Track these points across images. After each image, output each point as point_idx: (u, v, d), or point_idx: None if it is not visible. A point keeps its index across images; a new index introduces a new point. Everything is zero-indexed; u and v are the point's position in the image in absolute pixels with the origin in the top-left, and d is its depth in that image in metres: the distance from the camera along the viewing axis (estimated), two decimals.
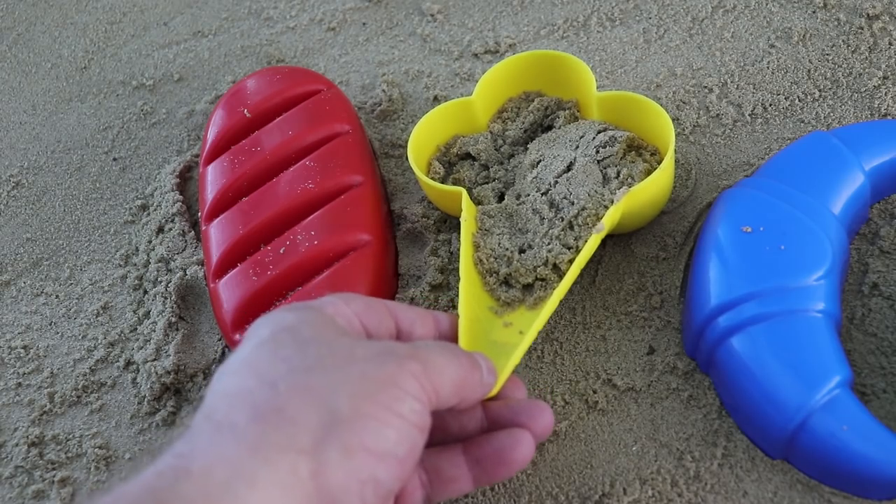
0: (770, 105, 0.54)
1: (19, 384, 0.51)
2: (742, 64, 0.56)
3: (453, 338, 0.42)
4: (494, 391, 0.40)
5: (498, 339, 0.43)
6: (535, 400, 0.41)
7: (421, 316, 0.41)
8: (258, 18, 0.65)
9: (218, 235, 0.51)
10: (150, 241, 0.55)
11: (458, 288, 0.49)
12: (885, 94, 0.53)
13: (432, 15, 0.62)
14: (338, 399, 0.34)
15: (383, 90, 0.59)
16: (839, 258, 0.44)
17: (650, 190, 0.46)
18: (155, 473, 0.32)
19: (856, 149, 0.46)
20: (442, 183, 0.50)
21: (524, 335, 0.43)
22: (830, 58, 0.55)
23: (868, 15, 0.56)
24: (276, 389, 0.34)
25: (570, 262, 0.45)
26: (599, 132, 0.49)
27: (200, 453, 0.33)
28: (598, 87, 0.50)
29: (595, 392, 0.46)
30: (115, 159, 0.60)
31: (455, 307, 0.49)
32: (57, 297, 0.54)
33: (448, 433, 0.41)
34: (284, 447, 0.33)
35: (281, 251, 0.49)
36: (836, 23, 0.56)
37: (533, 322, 0.43)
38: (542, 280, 0.46)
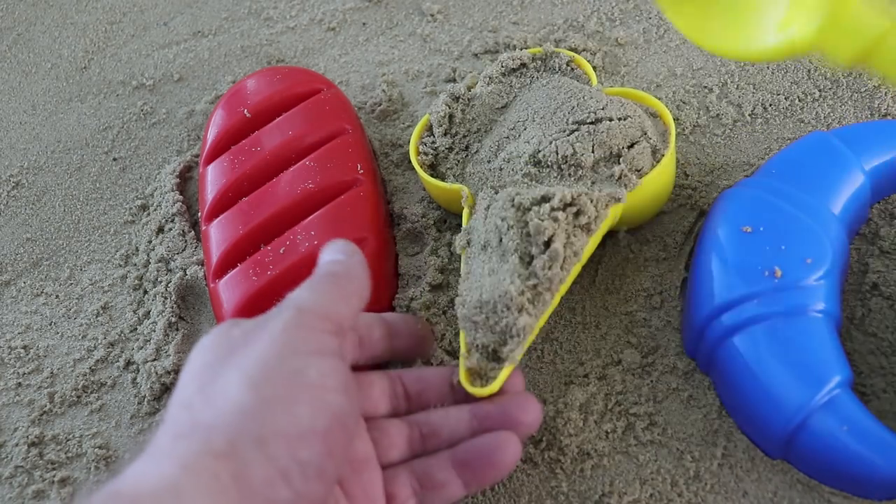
0: (770, 105, 0.54)
1: (19, 384, 0.51)
2: (742, 64, 0.56)
3: (406, 336, 0.43)
4: (496, 387, 0.40)
5: None
6: (523, 393, 0.41)
7: (371, 321, 0.42)
8: (258, 18, 0.65)
9: (218, 235, 0.51)
10: (150, 241, 0.55)
11: (458, 287, 0.49)
12: (885, 94, 0.53)
13: (432, 15, 0.62)
14: (240, 394, 0.34)
15: (383, 90, 0.59)
16: (839, 258, 0.44)
17: (652, 185, 0.46)
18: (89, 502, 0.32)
19: (856, 149, 0.46)
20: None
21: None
22: None
23: None
24: (190, 408, 0.34)
25: None
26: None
27: (129, 476, 0.33)
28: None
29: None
30: (115, 159, 0.60)
31: (454, 307, 0.49)
32: (57, 297, 0.54)
33: (439, 437, 0.41)
34: (203, 452, 0.33)
35: (281, 251, 0.49)
36: None
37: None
38: None
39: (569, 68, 0.52)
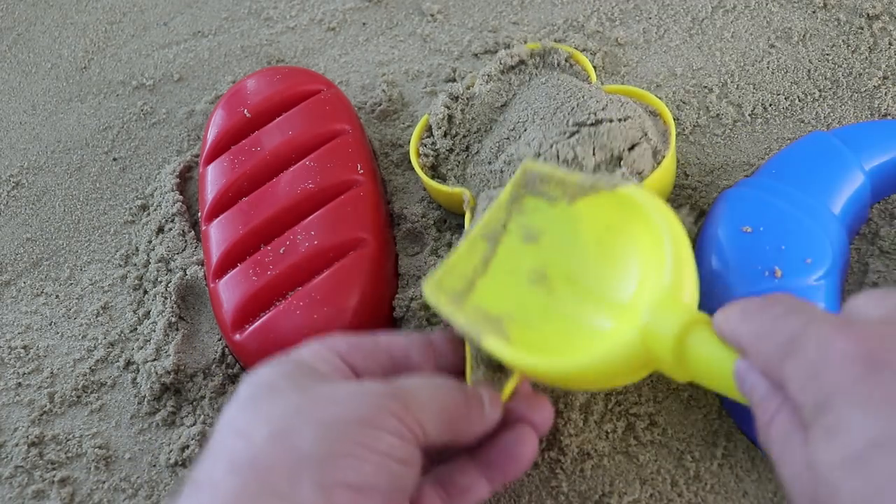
0: (770, 105, 0.54)
1: (19, 384, 0.51)
2: (742, 64, 0.56)
3: (451, 356, 0.42)
4: (503, 397, 0.40)
5: None
6: (534, 394, 0.41)
7: (416, 343, 0.41)
8: (258, 18, 0.65)
9: (218, 235, 0.51)
10: (150, 241, 0.55)
11: None
12: (885, 94, 0.53)
13: (432, 15, 0.62)
14: (310, 442, 0.34)
15: (383, 90, 0.59)
16: (839, 258, 0.44)
17: (652, 187, 0.46)
18: None
19: (856, 149, 0.46)
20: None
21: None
22: (830, 58, 0.55)
23: (868, 15, 0.56)
24: (251, 441, 0.34)
25: None
26: None
27: None
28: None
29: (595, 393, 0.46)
30: (115, 159, 0.60)
31: None
32: (57, 297, 0.54)
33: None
34: (260, 493, 0.33)
35: (281, 251, 0.49)
36: (836, 23, 0.56)
37: None
38: None
39: (567, 64, 0.51)
